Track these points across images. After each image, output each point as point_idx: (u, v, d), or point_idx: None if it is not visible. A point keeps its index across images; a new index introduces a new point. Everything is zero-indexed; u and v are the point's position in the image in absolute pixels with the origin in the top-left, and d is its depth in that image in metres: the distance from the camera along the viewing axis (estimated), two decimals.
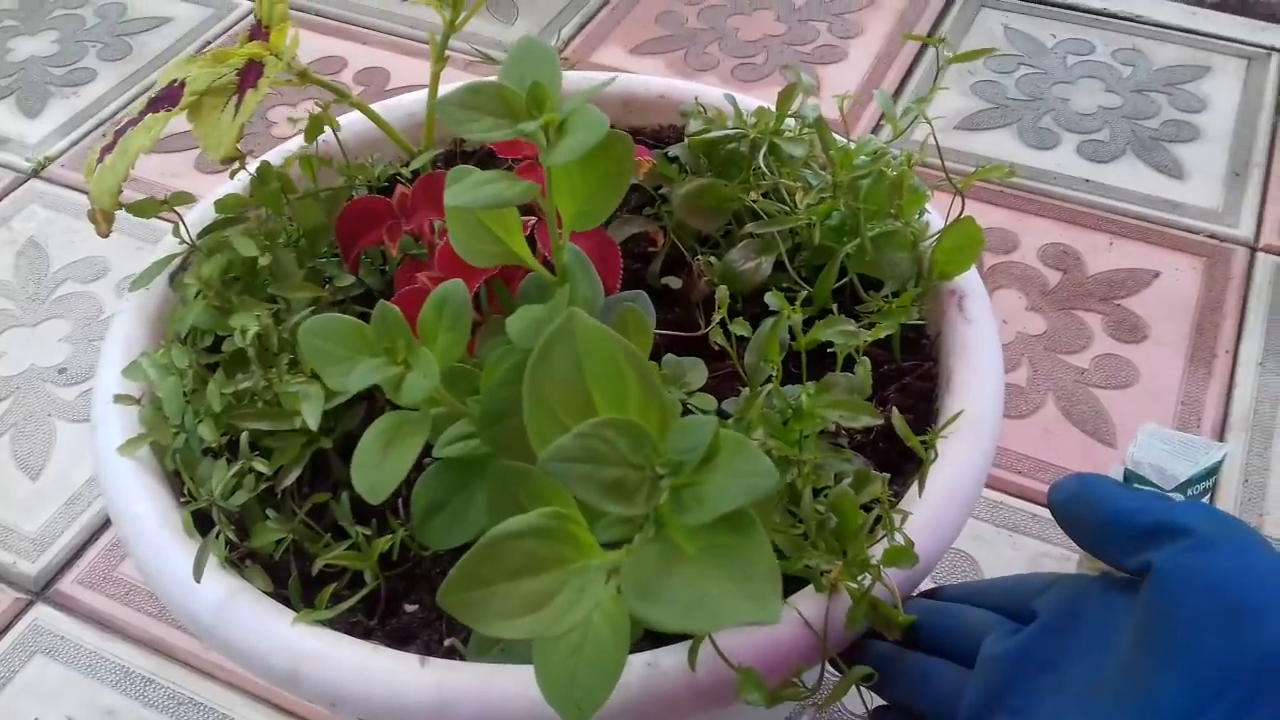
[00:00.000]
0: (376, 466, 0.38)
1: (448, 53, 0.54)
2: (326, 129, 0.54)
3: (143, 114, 0.49)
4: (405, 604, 0.44)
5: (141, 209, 0.50)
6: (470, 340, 0.40)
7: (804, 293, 0.48)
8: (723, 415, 0.46)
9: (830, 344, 0.46)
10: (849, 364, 0.46)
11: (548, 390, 0.32)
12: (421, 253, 0.50)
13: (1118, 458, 0.68)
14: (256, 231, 0.51)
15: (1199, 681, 0.31)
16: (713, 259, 0.52)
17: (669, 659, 0.39)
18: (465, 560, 0.30)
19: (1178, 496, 0.55)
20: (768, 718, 0.54)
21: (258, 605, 0.42)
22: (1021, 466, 0.74)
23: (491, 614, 0.30)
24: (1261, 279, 0.85)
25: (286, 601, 0.43)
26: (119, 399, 0.47)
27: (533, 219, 0.46)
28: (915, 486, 0.43)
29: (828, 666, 0.41)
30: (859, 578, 0.40)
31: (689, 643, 0.38)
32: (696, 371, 0.46)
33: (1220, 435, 0.76)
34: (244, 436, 0.44)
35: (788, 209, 0.52)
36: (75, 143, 1.00)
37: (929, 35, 1.05)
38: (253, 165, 0.53)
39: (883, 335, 0.47)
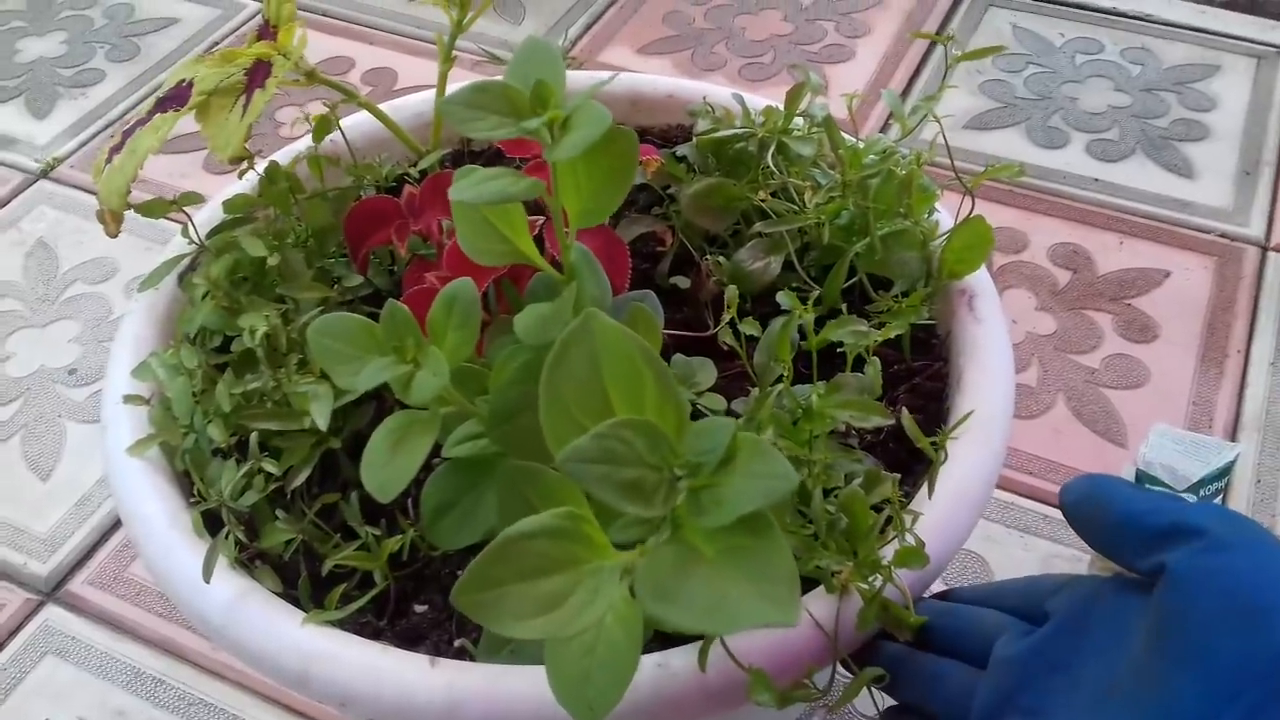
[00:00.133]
0: (386, 466, 0.38)
1: (455, 53, 0.54)
2: (334, 129, 0.54)
3: (151, 114, 0.49)
4: (415, 604, 0.44)
5: (150, 209, 0.50)
6: (479, 340, 0.40)
7: (813, 292, 0.48)
8: (732, 415, 0.46)
9: (840, 344, 0.46)
10: (859, 364, 0.46)
11: (565, 390, 0.32)
12: (430, 252, 0.50)
13: (1129, 458, 0.68)
14: (265, 232, 0.51)
15: (1214, 683, 0.30)
16: (721, 258, 0.52)
17: (679, 660, 0.39)
18: (479, 561, 0.30)
19: (1190, 497, 0.54)
20: (778, 719, 0.54)
21: (267, 606, 0.42)
22: (1032, 467, 0.74)
23: (505, 614, 0.30)
24: (1273, 278, 0.85)
25: (296, 602, 0.43)
26: (128, 399, 0.48)
27: (540, 218, 0.46)
28: (926, 487, 0.43)
29: (839, 667, 0.41)
30: (870, 578, 0.40)
31: (699, 644, 0.38)
32: (706, 371, 0.46)
33: (1232, 435, 0.75)
34: (253, 437, 0.44)
35: (796, 208, 0.51)
36: (84, 144, 1.01)
37: (937, 34, 1.05)
38: (261, 165, 0.53)
39: (893, 335, 0.47)
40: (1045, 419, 0.77)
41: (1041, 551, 0.70)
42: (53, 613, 0.69)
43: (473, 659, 0.41)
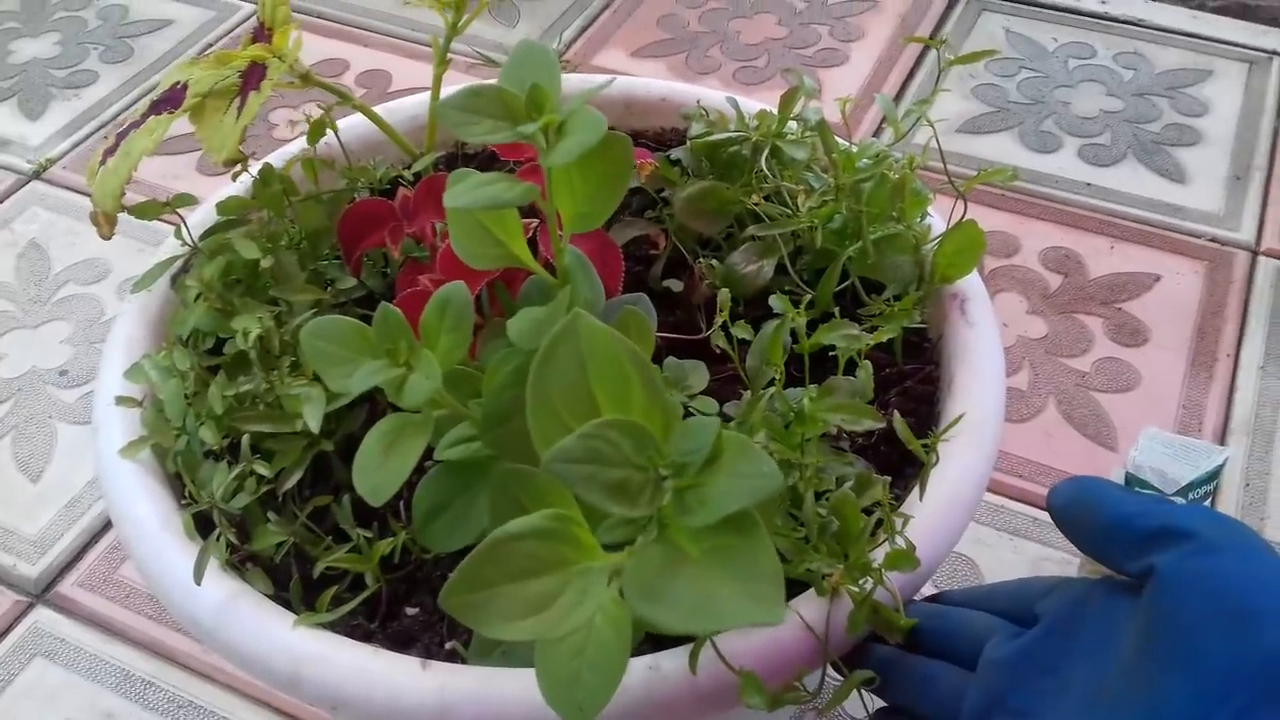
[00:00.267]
0: (378, 469, 0.38)
1: (450, 56, 0.54)
2: (329, 132, 0.54)
3: (145, 116, 0.49)
4: (406, 607, 0.44)
5: (143, 211, 0.50)
6: (472, 343, 0.40)
7: (806, 296, 0.48)
8: (724, 418, 0.46)
9: (832, 347, 0.46)
10: (850, 367, 0.46)
11: (551, 391, 0.32)
12: (423, 255, 0.50)
13: (1119, 461, 0.68)
14: (258, 234, 0.51)
15: (1203, 686, 0.30)
16: (714, 262, 0.52)
17: (670, 662, 0.39)
18: (467, 562, 0.30)
19: (1179, 500, 0.55)
20: None
21: (258, 608, 0.42)
22: (1023, 470, 0.74)
23: (494, 616, 0.30)
24: (1263, 283, 0.85)
25: (287, 604, 0.43)
26: (120, 401, 0.47)
27: (534, 221, 0.46)
28: (917, 490, 0.43)
29: (829, 670, 0.41)
30: (860, 581, 0.40)
31: (690, 646, 0.38)
32: (698, 374, 0.46)
33: (1221, 439, 0.76)
34: (245, 439, 0.44)
35: (790, 212, 0.52)
36: (77, 145, 1.00)
37: (930, 38, 1.05)
38: (255, 167, 0.53)
39: (885, 339, 0.47)
40: (1036, 422, 0.77)
41: (1031, 554, 0.70)
42: (42, 615, 0.69)
43: (464, 661, 0.41)
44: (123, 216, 0.49)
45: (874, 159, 0.52)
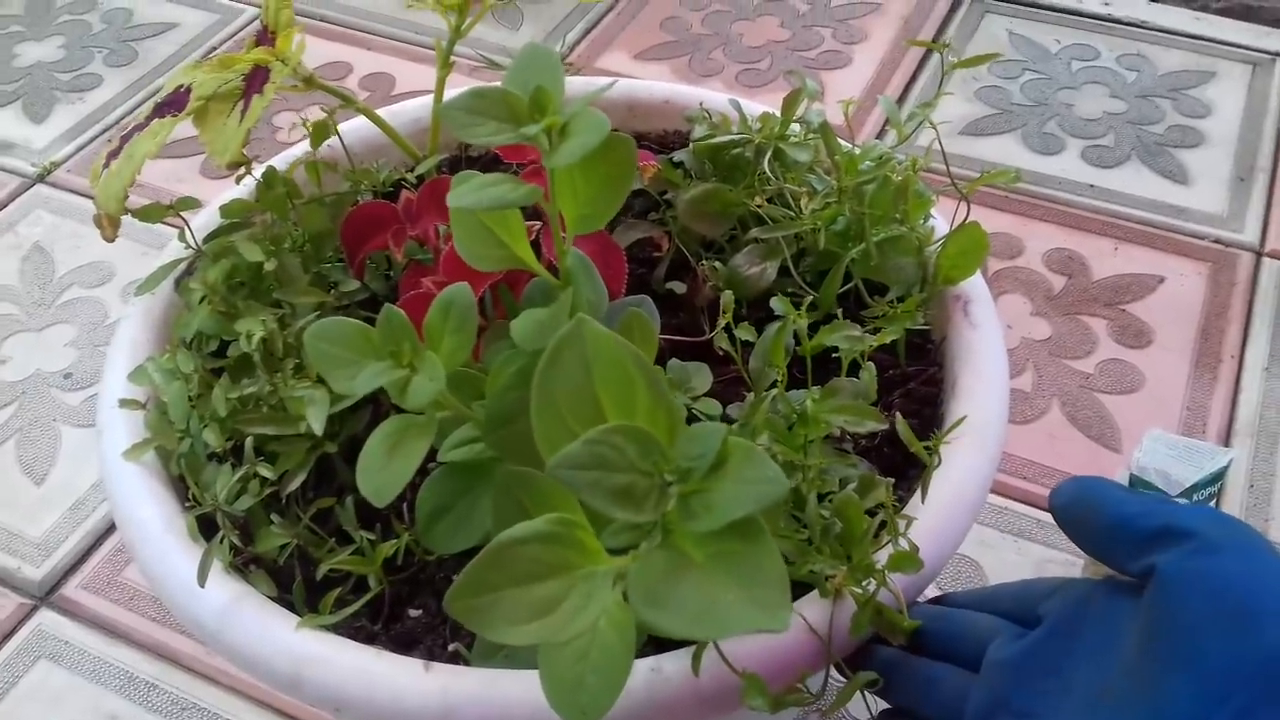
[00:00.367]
0: (381, 470, 0.38)
1: (453, 58, 0.54)
2: (332, 134, 0.54)
3: (149, 119, 0.49)
4: (409, 609, 0.44)
5: (147, 214, 0.50)
6: (475, 345, 0.40)
7: (809, 298, 0.48)
8: (727, 420, 0.46)
9: (835, 349, 0.46)
10: (854, 369, 0.46)
11: (556, 396, 0.32)
12: (427, 258, 0.50)
13: (1123, 463, 0.68)
14: (262, 236, 0.51)
15: (1205, 686, 0.30)
16: (717, 264, 0.52)
17: (673, 664, 0.39)
18: (472, 566, 0.30)
19: (1183, 502, 0.55)
20: None
21: (262, 610, 0.42)
22: (1026, 472, 0.74)
23: (499, 620, 0.30)
24: (1267, 284, 0.85)
25: (290, 606, 0.43)
26: (124, 404, 0.48)
27: (537, 224, 0.46)
28: (920, 492, 0.43)
29: (832, 672, 0.41)
30: (864, 583, 0.40)
31: (693, 648, 0.38)
32: (701, 376, 0.46)
33: (1226, 441, 0.76)
34: (249, 441, 0.44)
35: (793, 214, 0.52)
36: (81, 148, 1.01)
37: (933, 41, 1.05)
38: (258, 170, 0.53)
39: (888, 340, 0.47)
40: (1040, 424, 0.77)
41: (1035, 556, 0.70)
42: (46, 617, 0.69)
43: (467, 663, 0.41)
44: (126, 220, 0.49)
45: (877, 161, 0.52)
